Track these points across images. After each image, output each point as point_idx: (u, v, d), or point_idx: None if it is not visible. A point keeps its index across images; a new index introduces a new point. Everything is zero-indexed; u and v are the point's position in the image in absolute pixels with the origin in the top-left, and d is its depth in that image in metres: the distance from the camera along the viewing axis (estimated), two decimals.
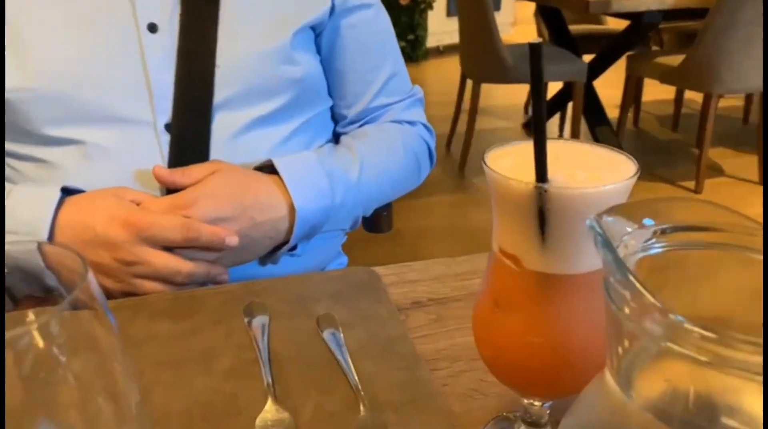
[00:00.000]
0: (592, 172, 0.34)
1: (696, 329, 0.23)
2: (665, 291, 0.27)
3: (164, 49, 0.68)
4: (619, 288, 0.26)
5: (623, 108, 3.06)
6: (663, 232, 0.29)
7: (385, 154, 0.78)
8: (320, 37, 0.78)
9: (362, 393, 0.45)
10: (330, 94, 0.82)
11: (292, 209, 0.67)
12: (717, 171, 2.86)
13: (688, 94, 3.44)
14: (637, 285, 0.24)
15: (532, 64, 0.31)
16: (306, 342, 0.51)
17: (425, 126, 0.86)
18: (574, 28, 3.27)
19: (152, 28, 0.68)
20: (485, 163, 0.34)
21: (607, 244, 0.26)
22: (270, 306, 0.55)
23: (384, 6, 0.83)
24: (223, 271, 0.65)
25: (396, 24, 4.72)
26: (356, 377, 0.47)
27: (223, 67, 0.69)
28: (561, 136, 3.36)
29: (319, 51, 0.79)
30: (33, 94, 0.65)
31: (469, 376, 0.48)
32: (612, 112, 3.16)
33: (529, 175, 0.33)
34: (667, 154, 3.12)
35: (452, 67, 4.62)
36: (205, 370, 0.48)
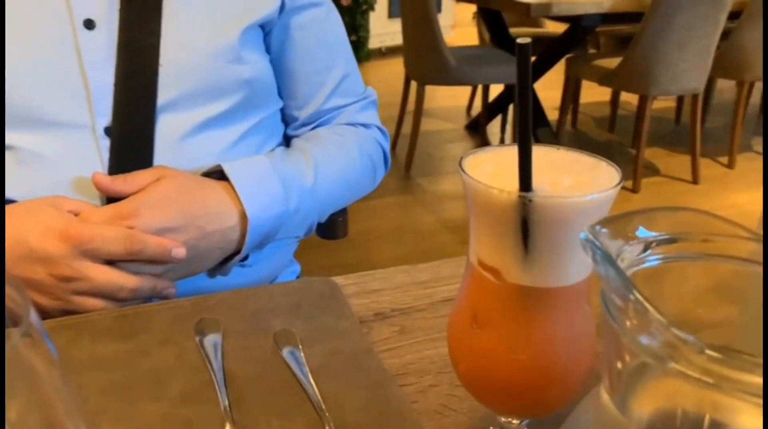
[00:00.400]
0: (575, 179, 0.32)
1: (706, 352, 0.22)
2: (663, 305, 0.26)
3: (102, 47, 0.64)
4: (619, 303, 0.24)
5: (562, 110, 3.13)
6: (657, 243, 0.27)
7: (341, 158, 0.75)
8: (269, 36, 0.75)
9: (327, 415, 0.42)
10: (280, 95, 0.78)
11: (243, 217, 0.63)
12: (653, 170, 2.95)
13: (624, 96, 3.54)
14: (643, 301, 0.23)
15: (519, 66, 0.30)
16: (264, 361, 0.48)
17: (380, 128, 0.84)
18: (515, 30, 3.32)
19: (89, 24, 0.63)
20: (463, 171, 0.32)
21: (607, 258, 0.25)
22: (223, 323, 0.52)
23: None
24: (170, 284, 0.61)
25: None
26: (320, 398, 0.44)
27: (167, 66, 0.65)
28: (503, 138, 3.41)
29: (268, 50, 0.76)
30: None
31: (438, 391, 0.46)
32: (551, 114, 3.22)
33: (511, 183, 0.31)
34: (604, 154, 3.11)
35: (395, 68, 4.62)
36: (155, 395, 0.45)
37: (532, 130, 0.31)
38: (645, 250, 0.27)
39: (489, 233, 0.32)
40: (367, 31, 4.92)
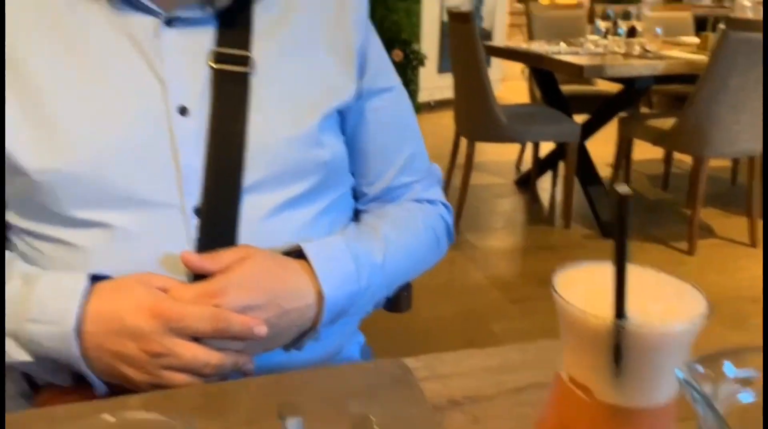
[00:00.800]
0: (664, 305, 0.34)
1: None
2: None
3: (194, 132, 0.68)
4: None
5: (615, 169, 3.11)
6: (749, 381, 0.29)
7: (408, 235, 0.78)
8: (345, 118, 0.79)
9: None
10: (352, 172, 0.82)
11: (320, 296, 0.66)
12: (708, 232, 2.89)
13: (678, 154, 3.51)
14: None
15: (619, 216, 0.32)
16: None
17: (444, 204, 0.86)
18: (566, 88, 3.35)
19: (183, 110, 0.68)
20: (556, 292, 0.34)
21: (704, 399, 0.26)
22: (303, 405, 0.54)
23: None
24: (249, 360, 0.64)
25: None
26: None
27: (253, 150, 0.69)
28: (553, 194, 3.40)
29: (343, 131, 0.80)
30: (60, 175, 0.65)
31: None
32: (603, 170, 3.21)
33: (604, 307, 0.33)
34: (658, 213, 3.16)
35: (444, 121, 4.69)
36: None
37: (625, 254, 0.33)
38: (738, 387, 0.28)
39: (581, 352, 0.34)
40: (416, 85, 5.02)
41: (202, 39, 0.70)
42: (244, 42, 0.72)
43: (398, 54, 4.76)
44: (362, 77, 0.78)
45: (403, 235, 0.77)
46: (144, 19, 0.69)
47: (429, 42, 5.09)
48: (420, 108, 5.17)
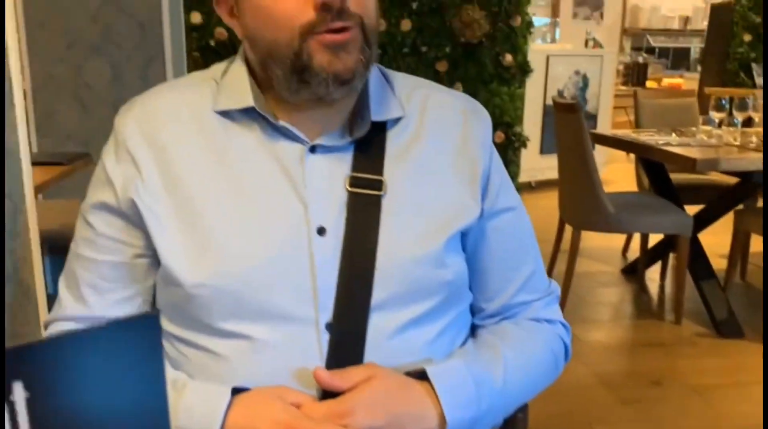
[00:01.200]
0: None
1: None
2: None
3: (330, 251, 0.74)
4: None
5: (731, 262, 2.96)
6: None
7: (527, 357, 0.79)
8: (466, 236, 0.82)
9: None
10: (470, 288, 0.85)
11: (442, 420, 0.68)
12: None
13: None
14: None
15: None
16: None
17: (563, 324, 0.87)
18: (676, 177, 3.25)
19: (321, 231, 0.74)
20: None
21: None
22: None
23: None
24: None
25: None
26: None
27: (381, 270, 0.74)
28: (663, 285, 3.26)
29: (464, 248, 0.83)
30: (213, 289, 0.71)
31: None
32: (717, 262, 3.05)
33: None
34: None
35: (545, 202, 4.64)
36: None
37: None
38: None
39: None
40: (517, 166, 5.03)
41: (341, 164, 0.77)
42: (378, 167, 0.77)
43: (500, 136, 4.81)
44: (485, 199, 0.82)
45: (523, 357, 0.78)
46: (291, 145, 0.76)
47: (531, 123, 5.12)
48: (521, 188, 5.16)
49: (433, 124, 0.81)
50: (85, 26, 2.67)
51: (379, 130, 0.79)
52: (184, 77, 0.84)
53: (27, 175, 0.92)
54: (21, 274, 0.92)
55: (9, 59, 0.87)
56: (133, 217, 0.74)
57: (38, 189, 1.78)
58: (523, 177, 5.18)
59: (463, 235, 0.82)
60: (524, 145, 4.95)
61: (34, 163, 1.98)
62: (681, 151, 2.56)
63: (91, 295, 0.77)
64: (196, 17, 4.11)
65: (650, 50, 8.96)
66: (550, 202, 3.08)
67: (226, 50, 4.13)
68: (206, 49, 4.21)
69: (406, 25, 4.50)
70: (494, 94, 4.72)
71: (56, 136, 2.76)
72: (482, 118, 0.85)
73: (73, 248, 0.79)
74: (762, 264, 3.48)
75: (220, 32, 4.06)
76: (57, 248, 2.68)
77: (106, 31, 2.69)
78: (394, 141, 0.79)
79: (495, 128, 4.73)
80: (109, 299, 0.77)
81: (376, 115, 0.78)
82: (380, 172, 0.77)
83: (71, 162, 2.10)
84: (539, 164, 5.21)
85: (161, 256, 0.73)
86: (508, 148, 4.89)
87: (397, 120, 0.80)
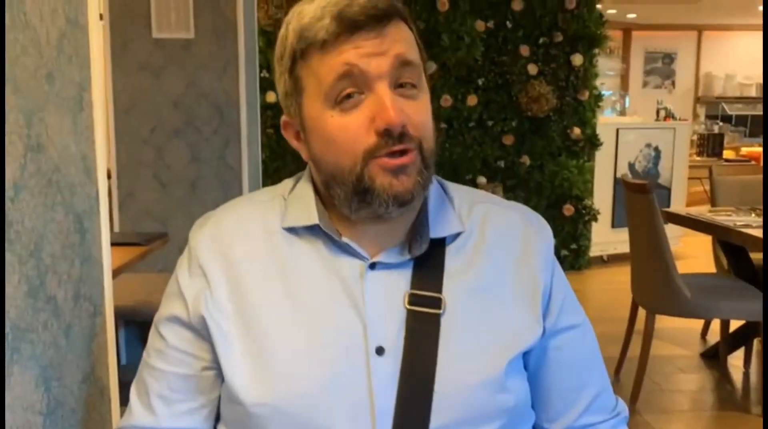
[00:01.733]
0: None
1: None
2: None
3: (388, 373, 0.74)
4: None
5: None
6: None
7: None
8: (528, 355, 0.81)
9: None
10: (533, 407, 0.82)
11: None
12: None
13: None
14: None
15: None
16: None
17: None
18: (757, 256, 3.09)
19: (380, 351, 0.74)
20: None
21: None
22: None
23: (548, 220, 0.86)
24: None
25: (558, 234, 4.76)
26: None
27: (440, 393, 0.73)
28: (747, 372, 3.06)
29: (525, 367, 0.81)
30: (272, 409, 0.72)
31: None
32: None
33: None
34: None
35: (617, 278, 4.50)
36: None
37: None
38: None
39: None
40: (588, 240, 4.92)
41: (400, 281, 0.78)
42: (437, 284, 0.78)
43: (569, 209, 4.74)
44: (547, 317, 0.80)
45: None
46: (352, 262, 0.78)
47: (602, 196, 5.03)
48: (592, 263, 5.03)
49: (493, 240, 0.81)
50: (168, 111, 2.84)
51: (439, 245, 0.80)
52: (255, 193, 0.88)
53: (107, 281, 0.97)
54: (97, 373, 0.96)
55: (96, 145, 0.94)
56: (203, 331, 0.77)
57: (116, 271, 1.87)
58: (595, 251, 5.05)
59: (525, 354, 0.80)
60: (595, 219, 4.85)
61: (114, 244, 2.10)
62: (761, 233, 2.45)
63: (159, 406, 0.80)
64: (271, 97, 4.31)
65: (726, 118, 8.73)
66: (623, 278, 2.98)
67: None
68: (280, 127, 4.39)
69: (472, 100, 4.58)
70: (562, 167, 4.69)
71: (136, 214, 2.91)
72: (543, 233, 0.84)
73: (145, 358, 0.82)
74: None
75: None
76: (133, 322, 2.78)
77: (188, 116, 2.86)
78: (453, 257, 0.80)
79: (564, 201, 4.68)
80: (177, 410, 0.79)
81: (435, 232, 0.79)
82: (439, 289, 0.77)
83: (149, 243, 2.20)
84: (611, 238, 5.08)
85: (225, 374, 0.75)
86: (578, 221, 4.81)
87: (457, 235, 0.81)
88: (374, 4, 0.72)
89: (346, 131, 0.73)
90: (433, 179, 0.80)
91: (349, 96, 0.72)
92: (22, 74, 0.72)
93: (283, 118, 0.81)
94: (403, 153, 0.73)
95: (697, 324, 3.57)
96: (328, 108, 0.73)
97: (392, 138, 0.71)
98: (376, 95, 0.72)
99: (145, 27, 2.78)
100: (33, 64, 0.75)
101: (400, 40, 0.73)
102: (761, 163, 6.35)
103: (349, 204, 0.75)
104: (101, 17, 2.76)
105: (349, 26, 0.71)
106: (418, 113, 0.74)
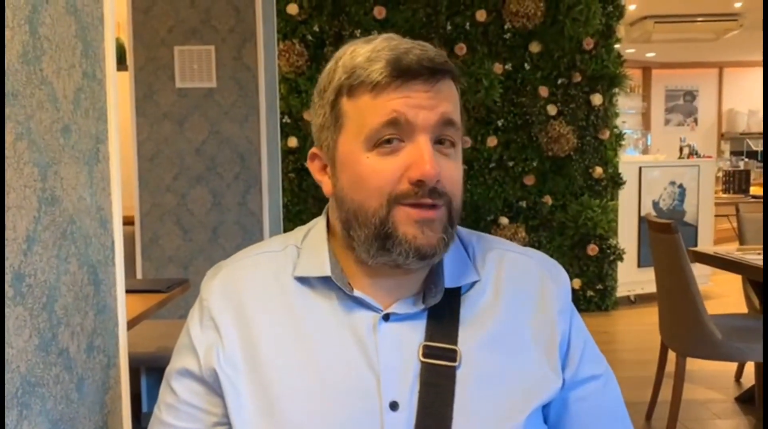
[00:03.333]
0: None
1: None
2: None
3: (402, 428, 0.71)
4: None
5: None
6: None
7: None
8: (548, 407, 0.78)
9: None
10: None
11: None
12: None
13: None
14: None
15: None
16: None
17: None
18: None
19: (393, 406, 0.72)
20: None
21: None
22: None
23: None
24: None
25: (583, 274, 4.68)
26: None
27: None
28: None
29: (545, 420, 0.78)
30: None
31: None
32: None
33: None
34: None
35: (646, 319, 4.39)
36: None
37: None
38: None
39: None
40: (614, 280, 4.83)
41: (414, 332, 0.76)
42: (452, 335, 0.76)
43: (594, 249, 4.67)
44: (566, 367, 0.78)
45: None
46: (365, 314, 0.76)
47: (627, 235, 4.96)
48: (619, 303, 4.93)
49: (508, 289, 0.79)
50: (191, 158, 2.89)
51: (453, 294, 0.78)
52: (267, 242, 0.87)
53: (122, 332, 0.96)
54: (111, 426, 0.95)
55: (112, 196, 0.94)
56: (214, 385, 0.76)
57: (137, 319, 1.87)
58: (621, 291, 4.96)
59: (544, 407, 0.77)
60: (620, 259, 4.78)
61: (134, 291, 2.10)
62: None
63: None
64: (292, 142, 4.37)
65: (752, 154, 8.63)
66: (651, 318, 2.91)
67: None
68: (301, 170, 4.44)
69: (492, 141, 4.59)
70: (586, 206, 4.64)
71: (159, 260, 2.93)
72: (560, 280, 0.82)
73: (156, 413, 0.81)
74: None
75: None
76: (155, 369, 2.77)
77: (210, 163, 2.90)
78: (468, 306, 0.78)
79: (588, 241, 4.62)
80: None
81: (450, 282, 0.77)
82: (454, 341, 0.75)
83: (169, 290, 2.20)
84: (638, 277, 4.99)
85: (236, 425, 0.73)
86: (604, 261, 4.73)
87: (473, 284, 0.79)
88: (431, 56, 0.72)
89: (378, 174, 0.72)
90: None
91: (389, 141, 0.72)
92: (37, 128, 0.73)
93: (313, 149, 0.81)
94: (431, 207, 0.72)
95: (731, 366, 3.45)
96: (366, 149, 0.73)
97: (423, 190, 0.71)
98: (416, 145, 0.72)
99: (168, 77, 2.85)
100: (49, 118, 0.76)
101: (449, 99, 0.74)
102: None
103: (368, 248, 0.74)
104: (125, 68, 2.83)
105: (403, 74, 0.71)
106: (452, 171, 0.74)
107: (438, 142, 0.73)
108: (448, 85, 0.74)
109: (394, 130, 0.71)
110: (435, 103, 0.72)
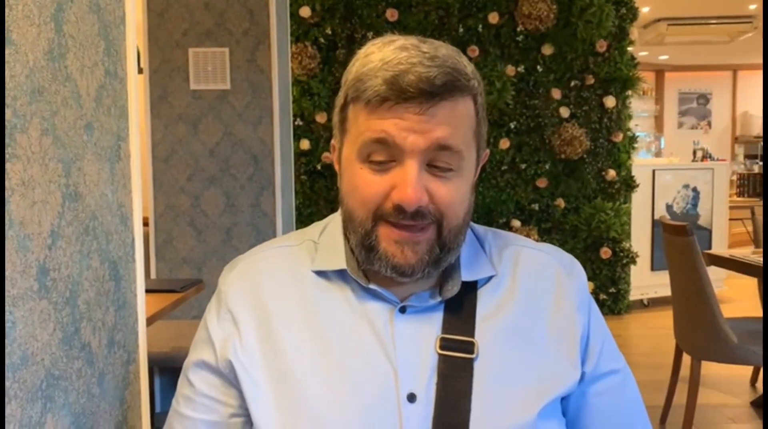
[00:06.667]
0: None
1: None
2: None
3: (420, 420, 0.72)
4: None
5: None
6: None
7: None
8: (567, 401, 0.78)
9: None
10: None
11: None
12: None
13: None
14: None
15: None
16: None
17: None
18: None
19: (411, 398, 0.72)
20: None
21: None
22: None
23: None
24: None
25: (596, 277, 4.66)
26: None
27: None
28: None
29: (564, 413, 0.78)
30: None
31: None
32: None
33: None
34: None
35: (660, 322, 4.37)
36: None
37: None
38: None
39: None
40: (627, 283, 4.80)
41: (430, 325, 0.76)
42: (470, 328, 0.76)
43: (607, 252, 4.65)
44: (585, 362, 0.78)
45: None
46: (381, 306, 0.77)
47: (640, 239, 4.93)
48: (632, 307, 4.90)
49: (525, 284, 0.80)
50: (205, 160, 2.91)
51: (470, 288, 0.78)
52: (285, 236, 0.88)
53: (142, 329, 0.97)
54: (130, 422, 0.96)
55: (133, 193, 0.95)
56: (230, 377, 0.76)
57: (151, 319, 1.89)
58: (635, 294, 4.93)
59: (563, 400, 0.78)
60: (633, 262, 4.75)
61: (149, 291, 2.12)
62: None
63: None
64: (305, 144, 4.38)
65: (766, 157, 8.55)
66: (665, 322, 2.89)
67: (331, 173, 4.35)
68: (313, 173, 4.46)
69: (504, 143, 4.58)
70: (598, 209, 4.62)
71: (173, 261, 2.95)
72: (576, 275, 0.82)
73: (174, 405, 0.81)
74: None
75: (326, 156, 4.30)
76: (167, 369, 2.79)
77: (223, 164, 2.91)
78: (485, 300, 0.78)
79: (601, 244, 4.60)
80: None
81: (466, 275, 0.78)
82: (471, 333, 0.75)
83: (184, 289, 2.22)
84: (651, 281, 4.96)
85: (254, 421, 0.74)
86: (617, 264, 4.71)
87: (489, 278, 0.79)
88: (431, 76, 0.69)
89: (368, 186, 0.73)
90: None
91: (380, 162, 0.72)
92: (62, 125, 0.74)
93: (333, 141, 0.81)
94: (413, 227, 0.72)
95: (746, 370, 3.43)
96: (360, 160, 0.74)
97: (404, 214, 0.71)
98: (403, 169, 0.71)
99: (183, 79, 2.87)
100: (73, 115, 0.77)
101: (447, 123, 0.71)
102: None
103: (359, 253, 0.76)
104: (141, 71, 2.85)
105: (396, 95, 0.69)
106: (444, 192, 0.72)
107: (434, 165, 0.72)
108: (451, 106, 0.71)
109: (382, 149, 0.71)
110: (428, 128, 0.70)
